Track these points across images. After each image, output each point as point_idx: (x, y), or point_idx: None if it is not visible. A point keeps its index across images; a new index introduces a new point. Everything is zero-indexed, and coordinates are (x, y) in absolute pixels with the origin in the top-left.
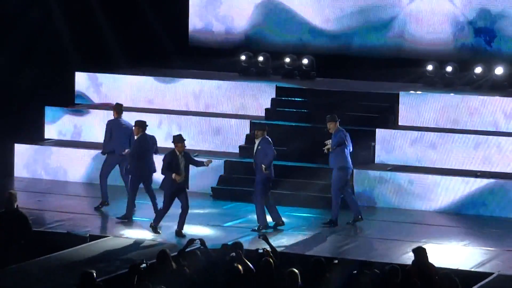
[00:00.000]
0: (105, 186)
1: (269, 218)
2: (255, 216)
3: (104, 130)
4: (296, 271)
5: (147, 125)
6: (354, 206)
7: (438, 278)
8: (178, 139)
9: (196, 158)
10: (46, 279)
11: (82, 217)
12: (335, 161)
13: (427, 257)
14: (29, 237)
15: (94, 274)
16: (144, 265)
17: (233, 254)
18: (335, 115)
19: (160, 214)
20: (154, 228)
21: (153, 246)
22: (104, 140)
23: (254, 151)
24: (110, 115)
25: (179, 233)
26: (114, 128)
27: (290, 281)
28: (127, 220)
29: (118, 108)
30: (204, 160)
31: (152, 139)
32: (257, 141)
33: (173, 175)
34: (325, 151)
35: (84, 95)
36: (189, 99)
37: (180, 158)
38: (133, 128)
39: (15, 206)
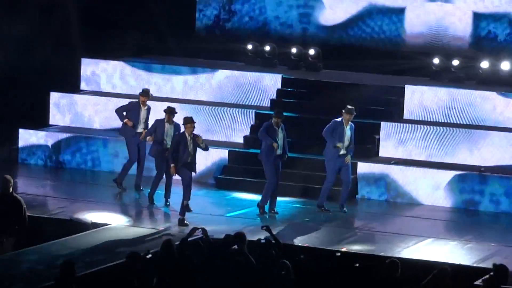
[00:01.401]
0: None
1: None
2: (258, 207)
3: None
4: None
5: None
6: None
7: None
8: (188, 120)
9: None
10: (42, 268)
11: (85, 204)
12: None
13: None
14: (24, 223)
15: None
16: (149, 255)
17: (235, 246)
18: (353, 107)
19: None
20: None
21: (156, 235)
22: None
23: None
24: (116, 102)
25: (181, 221)
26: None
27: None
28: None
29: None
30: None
31: (177, 126)
32: (278, 128)
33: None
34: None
35: (89, 81)
36: (194, 88)
37: (189, 140)
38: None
39: (10, 191)
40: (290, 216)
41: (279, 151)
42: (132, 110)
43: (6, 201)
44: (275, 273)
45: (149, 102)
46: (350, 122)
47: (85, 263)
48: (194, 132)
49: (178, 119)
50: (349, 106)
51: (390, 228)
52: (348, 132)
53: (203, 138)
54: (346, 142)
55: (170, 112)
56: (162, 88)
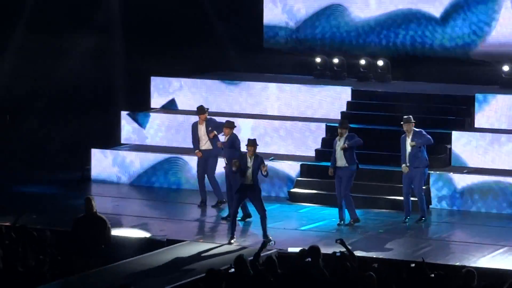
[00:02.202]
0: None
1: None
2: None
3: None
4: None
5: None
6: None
7: None
8: (249, 143)
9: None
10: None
11: (159, 221)
12: (417, 160)
13: None
14: (108, 241)
15: None
16: (232, 269)
17: (309, 259)
18: (410, 116)
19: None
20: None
21: (230, 250)
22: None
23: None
24: (187, 119)
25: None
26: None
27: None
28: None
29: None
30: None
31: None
32: (340, 140)
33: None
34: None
35: (159, 100)
36: (265, 103)
37: (249, 160)
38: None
39: (94, 211)
40: (363, 227)
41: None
42: (193, 131)
43: (90, 221)
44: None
45: (218, 119)
46: (413, 130)
47: (161, 280)
48: (258, 155)
49: (242, 133)
50: (405, 116)
51: (465, 237)
52: (408, 142)
53: (274, 153)
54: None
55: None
56: (232, 104)
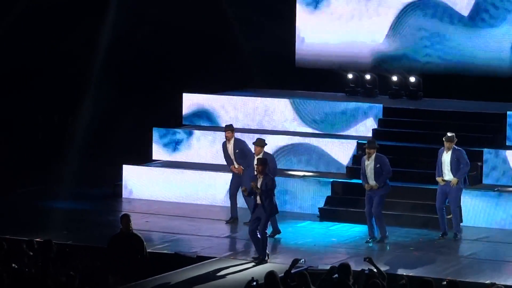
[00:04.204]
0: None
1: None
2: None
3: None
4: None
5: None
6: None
7: None
8: (259, 162)
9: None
10: None
11: (189, 238)
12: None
13: None
14: (146, 259)
15: None
16: (254, 283)
17: (336, 275)
18: (453, 135)
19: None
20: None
21: (260, 266)
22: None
23: (370, 169)
24: (217, 136)
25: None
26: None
27: None
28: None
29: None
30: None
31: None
32: (369, 160)
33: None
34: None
35: (191, 116)
36: (296, 120)
37: (259, 180)
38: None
39: (130, 228)
40: (394, 244)
41: (370, 183)
42: (223, 149)
43: (127, 238)
44: None
45: (252, 136)
46: (453, 148)
47: None
48: (268, 174)
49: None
50: (448, 134)
51: (496, 256)
52: (446, 157)
53: (306, 169)
54: (446, 170)
55: (262, 164)
56: (263, 121)
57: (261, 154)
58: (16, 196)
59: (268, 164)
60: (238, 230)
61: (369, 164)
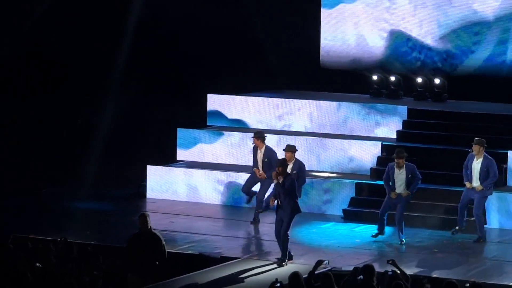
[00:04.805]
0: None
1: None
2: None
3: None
4: None
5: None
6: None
7: None
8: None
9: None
10: None
11: (213, 238)
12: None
13: None
14: (163, 258)
15: None
16: (278, 284)
17: (361, 276)
18: (483, 140)
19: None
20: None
21: (284, 267)
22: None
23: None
24: (241, 137)
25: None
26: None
27: None
28: None
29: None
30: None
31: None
32: (400, 170)
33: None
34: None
35: (215, 116)
36: (320, 121)
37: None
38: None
39: (149, 227)
40: (418, 246)
41: (397, 191)
42: (253, 153)
43: (145, 237)
44: None
45: (277, 138)
46: (484, 155)
47: None
48: (289, 175)
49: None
50: (476, 138)
51: None
52: (477, 165)
53: (329, 170)
54: (475, 177)
55: (281, 165)
56: (288, 123)
57: (293, 161)
58: (41, 196)
59: (287, 165)
60: (262, 231)
61: (399, 174)
